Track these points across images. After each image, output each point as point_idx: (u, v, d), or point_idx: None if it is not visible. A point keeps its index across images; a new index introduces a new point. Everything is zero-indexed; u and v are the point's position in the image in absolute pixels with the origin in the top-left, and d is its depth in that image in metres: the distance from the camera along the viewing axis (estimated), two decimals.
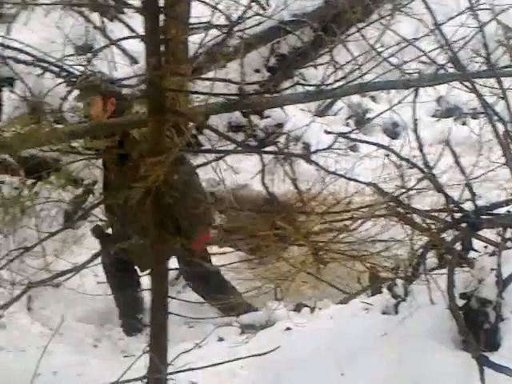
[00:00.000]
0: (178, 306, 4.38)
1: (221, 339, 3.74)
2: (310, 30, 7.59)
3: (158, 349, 2.26)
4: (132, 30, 7.69)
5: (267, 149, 6.94)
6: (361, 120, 7.52)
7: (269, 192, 5.61)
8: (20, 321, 3.29)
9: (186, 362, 2.57)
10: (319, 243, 2.36)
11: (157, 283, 2.15)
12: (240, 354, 2.79)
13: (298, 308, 4.08)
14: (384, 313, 2.88)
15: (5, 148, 2.02)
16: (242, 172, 6.75)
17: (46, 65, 6.59)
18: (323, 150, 2.94)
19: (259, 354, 2.55)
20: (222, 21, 7.46)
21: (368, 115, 7.52)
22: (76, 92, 3.78)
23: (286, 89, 6.10)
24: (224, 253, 5.35)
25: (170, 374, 2.28)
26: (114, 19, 7.59)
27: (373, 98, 7.91)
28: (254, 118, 7.53)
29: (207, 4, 7.12)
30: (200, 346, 2.91)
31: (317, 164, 2.90)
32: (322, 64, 7.44)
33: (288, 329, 3.11)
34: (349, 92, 4.23)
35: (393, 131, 7.44)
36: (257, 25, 7.13)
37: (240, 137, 7.45)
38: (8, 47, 6.60)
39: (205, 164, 6.24)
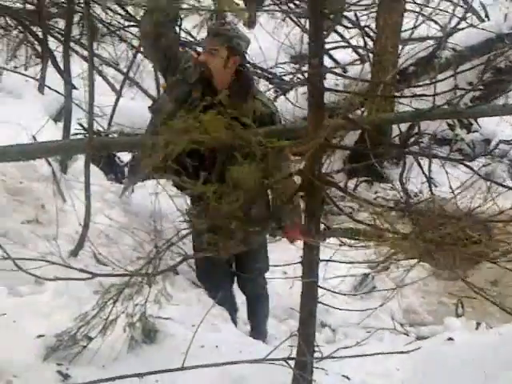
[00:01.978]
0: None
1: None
2: None
3: (305, 335, 2.37)
4: (346, 41, 7.90)
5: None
6: None
7: (404, 190, 5.65)
8: (201, 300, 3.58)
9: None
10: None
11: (308, 271, 2.28)
12: (395, 356, 2.83)
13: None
14: None
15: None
16: (442, 186, 6.63)
17: (259, 71, 7.02)
18: (483, 155, 2.85)
19: (399, 352, 2.59)
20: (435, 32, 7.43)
21: None
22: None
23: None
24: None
25: (315, 359, 2.39)
26: (328, 29, 7.83)
27: None
28: (462, 132, 7.35)
29: (419, 14, 7.10)
30: (361, 345, 2.98)
31: (473, 170, 2.83)
32: None
33: (450, 339, 3.08)
34: None
35: None
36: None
37: (445, 150, 7.32)
38: None
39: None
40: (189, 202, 3.64)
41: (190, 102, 3.40)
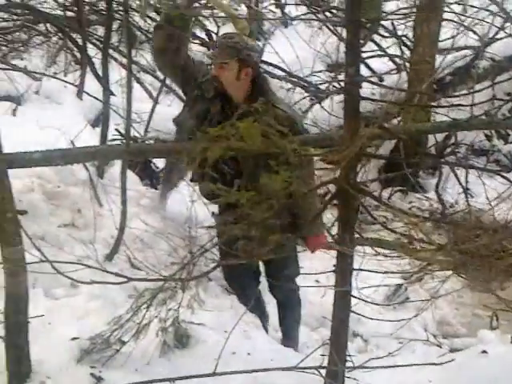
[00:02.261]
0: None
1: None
2: None
3: (337, 344, 2.37)
4: (383, 50, 7.86)
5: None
6: None
7: (440, 200, 5.63)
8: (233, 306, 3.60)
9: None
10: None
11: (341, 280, 2.28)
12: (427, 367, 2.81)
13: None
14: None
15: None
16: (479, 197, 6.55)
17: (295, 80, 7.02)
18: None
19: (432, 364, 2.57)
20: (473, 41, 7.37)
21: None
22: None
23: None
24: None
25: (347, 368, 2.38)
26: (365, 38, 7.80)
27: None
28: (499, 143, 7.25)
29: (458, 24, 7.04)
30: (393, 356, 2.97)
31: (510, 182, 2.80)
32: None
33: (484, 352, 3.03)
34: None
35: None
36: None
37: (482, 161, 7.24)
38: (264, 63, 7.13)
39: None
40: (217, 209, 3.67)
41: (209, 119, 3.43)
